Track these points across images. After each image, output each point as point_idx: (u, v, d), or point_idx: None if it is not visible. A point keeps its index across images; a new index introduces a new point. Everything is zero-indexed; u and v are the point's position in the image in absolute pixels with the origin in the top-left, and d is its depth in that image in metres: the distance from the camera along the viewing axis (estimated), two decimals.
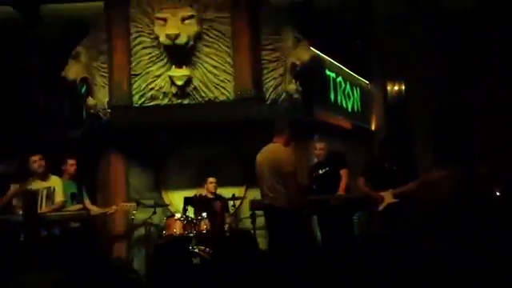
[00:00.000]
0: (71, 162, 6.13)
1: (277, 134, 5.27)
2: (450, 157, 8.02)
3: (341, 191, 5.89)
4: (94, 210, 6.10)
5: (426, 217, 6.28)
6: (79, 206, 5.97)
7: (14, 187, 5.51)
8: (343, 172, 5.93)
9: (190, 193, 6.69)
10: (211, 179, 6.54)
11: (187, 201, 6.07)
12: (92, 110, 6.36)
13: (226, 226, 6.33)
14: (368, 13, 8.54)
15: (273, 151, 5.34)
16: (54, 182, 5.80)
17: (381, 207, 5.74)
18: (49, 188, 5.73)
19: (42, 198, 5.64)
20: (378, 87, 8.99)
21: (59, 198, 5.75)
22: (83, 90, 6.58)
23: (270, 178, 5.21)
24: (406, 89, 8.91)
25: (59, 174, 6.00)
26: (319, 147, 6.09)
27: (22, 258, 4.67)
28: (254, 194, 6.42)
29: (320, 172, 6.03)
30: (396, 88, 8.98)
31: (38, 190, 5.63)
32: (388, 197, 5.71)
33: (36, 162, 5.67)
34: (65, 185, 5.93)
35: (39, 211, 5.45)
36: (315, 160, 6.24)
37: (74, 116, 7.21)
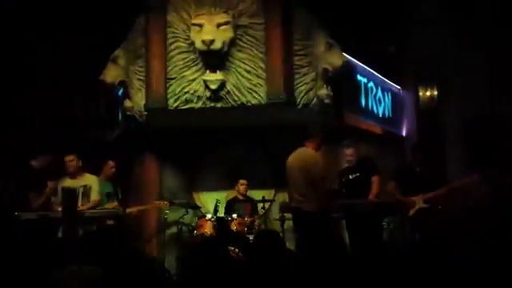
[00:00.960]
0: (111, 164, 6.34)
1: (309, 139, 5.35)
2: (481, 163, 7.93)
3: (371, 197, 5.87)
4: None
5: (457, 223, 6.24)
6: (115, 204, 6.16)
7: (50, 185, 5.72)
8: (375, 178, 5.88)
9: (221, 194, 6.84)
10: (242, 181, 6.65)
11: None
12: (128, 112, 6.55)
13: (255, 229, 6.44)
14: (400, 17, 8.52)
15: (304, 155, 5.41)
16: (90, 180, 5.99)
17: (411, 212, 5.72)
18: (85, 186, 5.93)
19: (78, 196, 5.84)
20: (410, 92, 8.94)
21: (95, 196, 5.96)
22: (120, 92, 6.79)
23: (300, 182, 5.29)
24: (438, 94, 8.85)
25: (96, 173, 6.21)
26: (349, 153, 6.08)
27: (60, 253, 4.85)
28: (284, 196, 6.52)
29: (350, 177, 6.01)
30: (428, 93, 8.92)
31: (75, 187, 5.84)
32: (419, 202, 5.68)
33: (70, 161, 5.88)
34: (101, 184, 6.13)
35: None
36: (345, 165, 6.26)
37: (111, 118, 7.44)
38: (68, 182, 5.86)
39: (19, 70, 7.41)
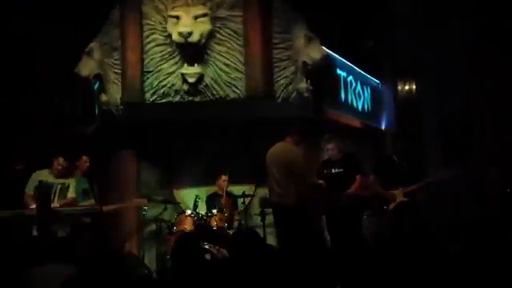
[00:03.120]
0: (85, 158, 6.22)
1: (289, 133, 5.31)
2: (459, 157, 8.01)
3: (350, 191, 5.87)
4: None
5: (435, 217, 6.28)
6: (91, 202, 6.04)
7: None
8: (359, 177, 5.86)
9: (200, 190, 6.75)
10: (224, 177, 6.57)
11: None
12: (105, 107, 6.43)
13: (235, 223, 6.38)
14: (379, 11, 8.54)
15: (284, 150, 5.38)
16: (70, 180, 5.94)
17: (391, 206, 5.74)
18: (63, 184, 5.85)
19: (55, 193, 5.75)
20: (389, 86, 8.99)
21: (71, 194, 5.89)
22: (96, 86, 6.65)
23: (280, 176, 5.26)
24: (416, 88, 8.90)
25: (72, 170, 6.09)
26: (330, 147, 6.07)
27: (35, 251, 4.73)
28: (264, 191, 6.47)
29: (333, 171, 6.00)
30: (407, 87, 8.97)
31: (53, 183, 5.74)
32: (399, 195, 5.72)
33: (59, 164, 5.84)
34: (77, 181, 6.02)
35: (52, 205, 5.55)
36: (326, 157, 6.23)
37: (87, 112, 7.29)
38: (48, 177, 5.77)
39: None
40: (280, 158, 5.33)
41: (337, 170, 5.98)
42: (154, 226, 6.64)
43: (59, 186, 5.78)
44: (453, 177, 6.05)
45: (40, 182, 5.45)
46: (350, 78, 7.84)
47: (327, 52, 6.70)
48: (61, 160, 5.85)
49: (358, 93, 8.11)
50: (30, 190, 5.73)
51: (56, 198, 5.76)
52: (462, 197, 6.76)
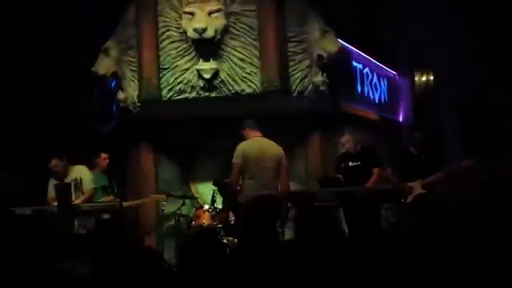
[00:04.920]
0: (104, 155, 6.27)
1: (257, 129, 5.40)
2: (476, 148, 7.91)
3: (368, 185, 5.83)
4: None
5: (455, 209, 6.22)
6: (110, 198, 6.11)
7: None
8: (376, 170, 5.78)
9: None
10: None
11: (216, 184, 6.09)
12: (122, 104, 6.49)
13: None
14: (395, 2, 8.46)
15: (270, 145, 5.43)
16: (79, 172, 5.86)
17: (410, 198, 5.68)
18: (75, 180, 5.83)
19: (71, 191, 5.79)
20: (406, 77, 8.91)
21: (87, 186, 5.84)
22: (113, 84, 6.71)
23: (271, 170, 5.32)
24: (434, 79, 8.81)
25: (91, 167, 6.15)
26: (345, 141, 5.98)
27: (55, 248, 4.81)
28: None
29: (350, 164, 5.91)
30: (424, 78, 8.89)
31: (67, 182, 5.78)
32: (417, 187, 5.64)
33: (55, 165, 5.77)
34: (96, 178, 6.06)
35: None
36: (342, 151, 6.18)
37: (104, 110, 7.36)
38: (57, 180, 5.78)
39: (11, 63, 7.34)
40: (271, 152, 5.40)
41: (354, 164, 5.92)
42: (172, 221, 6.69)
43: (72, 183, 5.76)
44: (471, 169, 5.97)
45: (56, 186, 5.50)
46: (366, 69, 7.79)
47: (342, 44, 6.67)
48: (55, 161, 5.77)
49: (375, 85, 8.06)
50: (50, 193, 5.76)
51: (73, 196, 5.78)
52: (481, 188, 6.68)
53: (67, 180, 5.77)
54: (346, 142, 5.99)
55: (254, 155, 5.30)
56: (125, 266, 3.29)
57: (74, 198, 5.72)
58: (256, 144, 5.39)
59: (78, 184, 5.84)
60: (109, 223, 5.81)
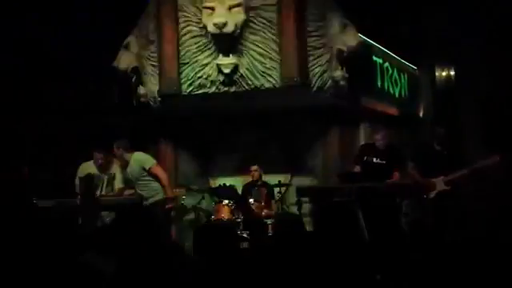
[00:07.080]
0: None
1: None
2: (498, 144, 7.79)
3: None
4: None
5: (479, 206, 6.11)
6: (132, 192, 6.18)
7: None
8: (397, 174, 5.73)
9: (236, 179, 6.81)
10: (254, 167, 6.59)
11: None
12: (142, 99, 6.53)
13: (273, 213, 6.41)
14: None
15: None
16: (115, 168, 6.13)
17: (432, 195, 5.58)
18: (110, 174, 6.06)
19: (103, 184, 5.99)
20: (426, 73, 8.81)
21: (118, 184, 6.08)
22: (134, 79, 6.76)
23: None
24: (454, 74, 8.69)
25: (111, 160, 6.25)
26: (379, 137, 5.85)
27: (77, 240, 4.87)
28: (300, 180, 6.48)
29: (374, 160, 5.82)
30: (444, 73, 8.78)
31: (100, 175, 5.98)
32: (439, 184, 5.54)
33: (99, 159, 6.03)
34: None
35: (99, 195, 5.81)
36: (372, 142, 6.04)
37: (125, 105, 7.41)
38: (94, 169, 6.02)
39: (34, 60, 7.43)
40: None
41: (379, 161, 5.79)
42: (192, 215, 6.74)
43: (106, 178, 6.00)
44: (494, 165, 5.85)
45: (87, 175, 5.65)
46: (387, 64, 7.73)
47: (363, 38, 6.62)
48: (99, 155, 6.03)
49: (395, 79, 7.99)
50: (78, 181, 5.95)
51: (104, 190, 6.00)
52: (503, 184, 6.58)
53: (109, 172, 6.02)
54: (382, 138, 5.87)
55: None
56: (153, 257, 3.30)
57: (104, 192, 5.88)
58: None
59: (111, 180, 6.01)
60: (129, 217, 5.87)
